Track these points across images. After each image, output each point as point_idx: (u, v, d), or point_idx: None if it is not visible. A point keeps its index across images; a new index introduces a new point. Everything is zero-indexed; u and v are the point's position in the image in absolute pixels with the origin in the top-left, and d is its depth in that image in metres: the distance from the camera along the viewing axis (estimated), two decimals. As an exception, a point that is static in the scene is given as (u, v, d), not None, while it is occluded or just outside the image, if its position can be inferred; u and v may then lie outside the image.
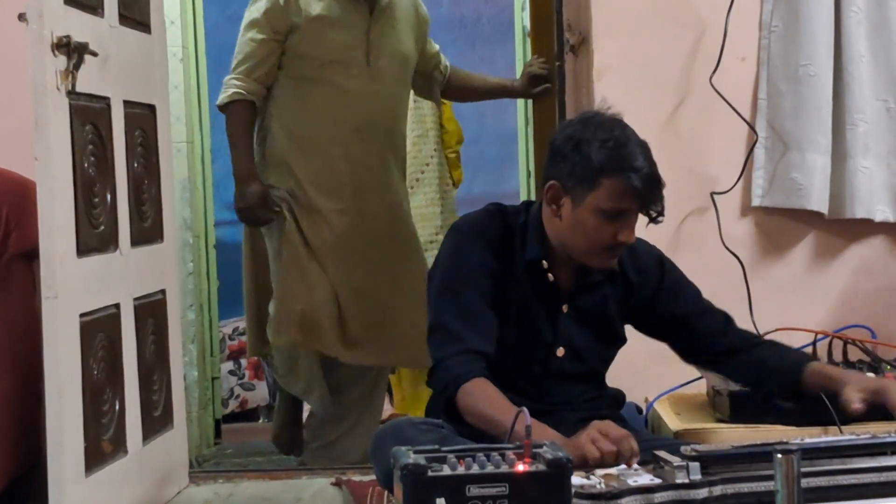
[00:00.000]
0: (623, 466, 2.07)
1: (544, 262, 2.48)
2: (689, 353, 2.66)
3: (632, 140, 2.39)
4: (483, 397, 2.34)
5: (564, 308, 2.51)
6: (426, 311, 2.52)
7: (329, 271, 3.59)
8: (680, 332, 2.61)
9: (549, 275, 2.49)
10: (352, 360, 3.64)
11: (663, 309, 2.58)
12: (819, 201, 3.37)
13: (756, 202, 3.43)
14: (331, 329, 3.57)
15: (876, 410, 2.36)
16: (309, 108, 3.57)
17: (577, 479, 1.91)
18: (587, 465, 2.06)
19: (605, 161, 2.35)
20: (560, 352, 2.52)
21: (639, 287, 2.56)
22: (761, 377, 2.61)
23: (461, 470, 1.74)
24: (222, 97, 3.58)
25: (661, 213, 2.42)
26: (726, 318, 2.64)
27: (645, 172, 2.35)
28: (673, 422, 2.94)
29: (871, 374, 2.76)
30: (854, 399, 2.35)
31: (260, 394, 5.02)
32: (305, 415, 3.90)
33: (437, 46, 3.93)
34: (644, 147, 2.39)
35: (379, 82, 3.62)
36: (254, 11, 3.60)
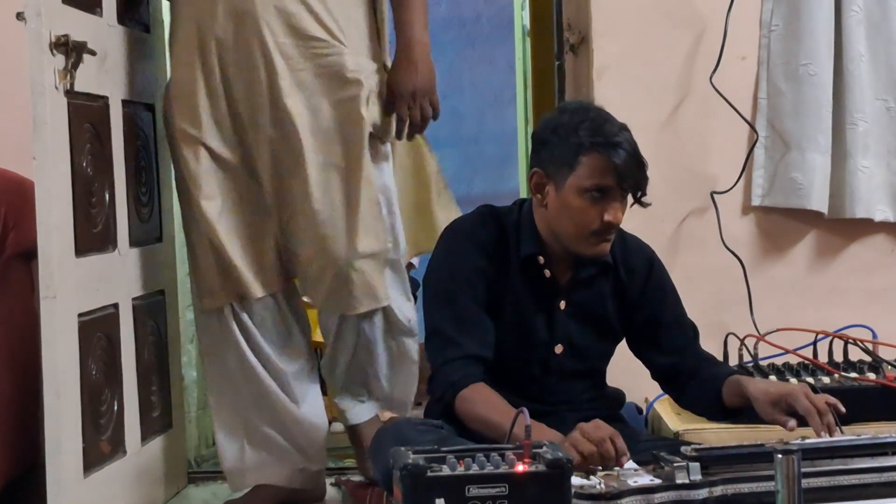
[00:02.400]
0: (626, 465, 2.06)
1: (540, 257, 2.48)
2: (652, 365, 2.61)
3: (609, 120, 2.40)
4: (481, 402, 2.34)
5: (562, 304, 2.51)
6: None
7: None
8: (648, 339, 2.58)
9: (546, 271, 2.49)
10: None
11: (643, 310, 2.57)
12: (819, 201, 3.37)
13: (756, 202, 3.43)
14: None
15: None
16: None
17: (576, 480, 1.90)
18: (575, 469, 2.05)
19: (581, 139, 2.36)
20: (559, 349, 2.51)
21: (628, 285, 2.56)
22: (693, 397, 2.57)
23: (461, 470, 1.74)
24: None
25: (644, 193, 2.41)
26: (694, 335, 2.61)
27: (623, 148, 2.35)
28: (673, 422, 2.93)
29: (772, 378, 2.74)
30: (782, 420, 2.28)
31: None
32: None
33: None
34: (623, 127, 2.40)
35: None
36: None
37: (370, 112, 2.83)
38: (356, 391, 3.04)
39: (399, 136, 2.87)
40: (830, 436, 2.20)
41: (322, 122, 2.80)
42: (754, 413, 2.39)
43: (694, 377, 2.54)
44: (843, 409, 2.25)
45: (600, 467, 2.06)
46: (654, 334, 2.57)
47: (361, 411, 3.05)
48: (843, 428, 2.36)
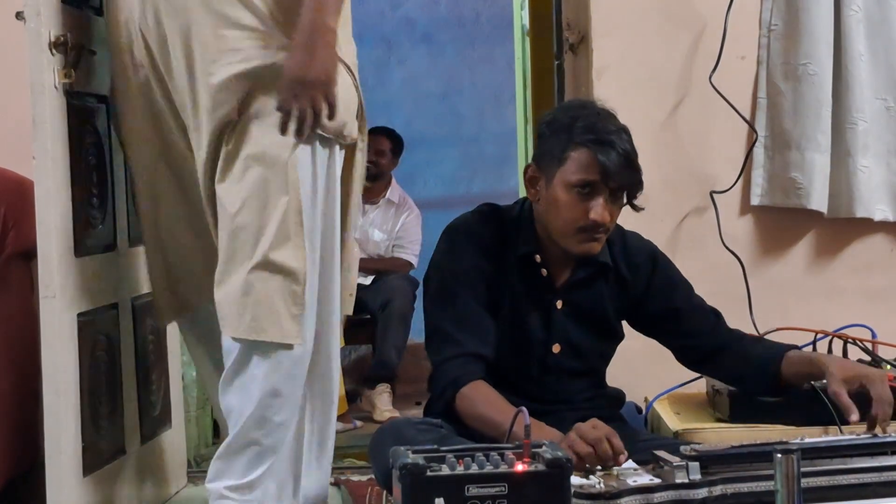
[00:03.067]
0: (625, 465, 2.06)
1: (537, 256, 2.48)
2: (679, 350, 2.64)
3: (607, 119, 2.39)
4: (481, 400, 2.34)
5: (559, 304, 2.51)
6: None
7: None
8: (670, 328, 2.59)
9: (543, 270, 2.49)
10: None
11: (655, 304, 2.57)
12: (819, 200, 3.37)
13: (755, 201, 3.43)
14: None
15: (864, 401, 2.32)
16: None
17: (576, 479, 1.90)
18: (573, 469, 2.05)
19: (572, 134, 2.36)
20: (556, 348, 2.51)
21: (632, 283, 2.56)
22: (744, 373, 2.59)
23: (460, 470, 1.74)
24: None
25: (633, 195, 2.41)
26: (716, 316, 2.63)
27: (614, 147, 2.34)
28: (672, 421, 2.93)
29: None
30: (846, 403, 2.32)
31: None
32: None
33: None
34: (622, 129, 2.39)
35: None
36: None
37: None
38: None
39: (282, 130, 2.35)
40: (871, 429, 2.25)
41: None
42: (800, 404, 2.46)
43: (738, 354, 2.56)
44: None
45: (598, 467, 2.06)
46: (673, 323, 2.58)
47: None
48: (843, 427, 2.37)
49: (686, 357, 2.65)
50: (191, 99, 2.45)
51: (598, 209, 2.35)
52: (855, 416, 2.30)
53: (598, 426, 2.12)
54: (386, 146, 5.41)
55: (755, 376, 2.57)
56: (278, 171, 2.36)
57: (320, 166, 2.43)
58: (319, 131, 2.39)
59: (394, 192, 5.52)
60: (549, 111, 2.51)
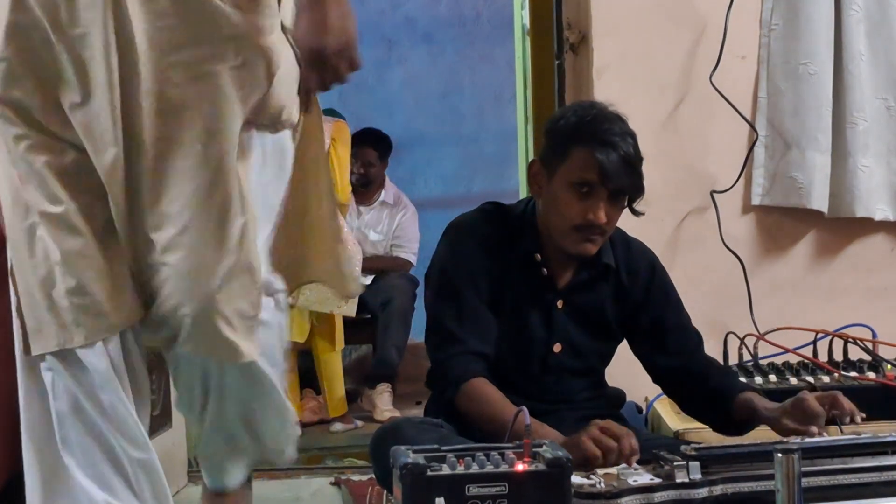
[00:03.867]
0: (623, 465, 2.06)
1: (537, 255, 2.48)
2: (653, 366, 2.61)
3: (613, 121, 2.38)
4: (483, 398, 2.34)
5: (559, 304, 2.51)
6: None
7: None
8: (653, 341, 2.57)
9: (543, 269, 2.48)
10: None
11: (646, 314, 2.56)
12: (819, 200, 3.37)
13: (756, 201, 3.43)
14: None
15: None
16: None
17: (576, 479, 1.90)
18: (588, 465, 2.05)
19: (575, 131, 2.37)
20: (557, 347, 2.51)
21: (630, 289, 2.55)
22: (699, 408, 2.58)
23: (460, 469, 1.74)
24: None
25: (633, 199, 2.40)
26: (699, 339, 2.60)
27: (615, 149, 2.34)
28: (673, 421, 2.93)
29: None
30: (803, 430, 2.25)
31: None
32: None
33: None
34: (627, 133, 2.38)
35: None
36: None
37: None
38: None
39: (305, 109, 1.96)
40: (853, 420, 2.23)
41: None
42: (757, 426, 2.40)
43: (702, 385, 2.53)
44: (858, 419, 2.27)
45: (607, 465, 2.06)
46: (658, 337, 2.57)
47: None
48: (843, 427, 2.36)
49: (660, 378, 2.62)
50: None
51: (595, 210, 2.35)
52: (814, 429, 2.25)
53: (616, 424, 2.14)
54: (372, 156, 5.42)
55: (711, 414, 2.55)
56: None
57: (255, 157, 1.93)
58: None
59: (388, 192, 5.53)
60: (559, 109, 2.50)
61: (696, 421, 2.71)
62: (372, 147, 5.43)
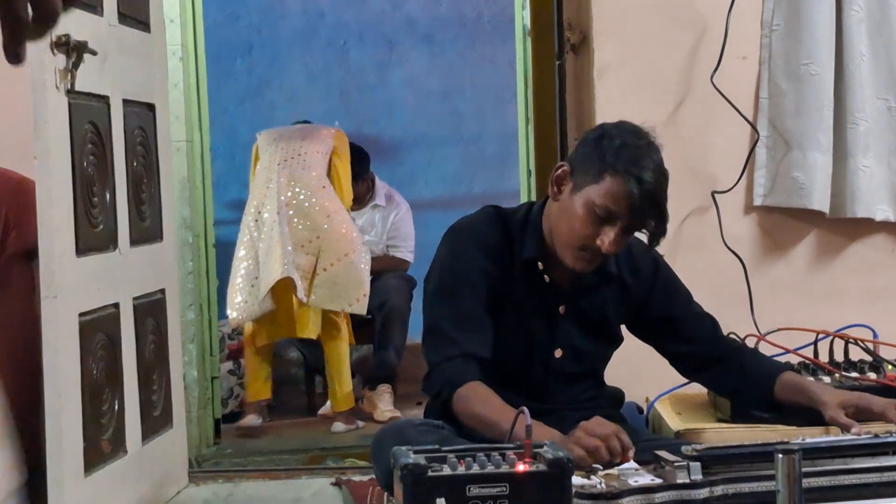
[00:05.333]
0: (625, 465, 2.06)
1: (539, 263, 2.47)
2: (675, 358, 2.63)
3: (652, 157, 2.35)
4: (478, 400, 2.33)
5: (562, 309, 2.50)
6: None
7: None
8: (668, 334, 2.59)
9: (545, 276, 2.48)
10: None
11: (655, 310, 2.57)
12: (820, 200, 3.37)
13: (758, 202, 3.43)
14: None
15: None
16: None
17: (577, 479, 1.90)
18: (579, 468, 2.05)
19: (616, 159, 2.33)
20: (559, 352, 2.51)
21: (634, 288, 2.55)
22: (738, 387, 2.61)
23: (461, 470, 1.73)
24: None
25: (654, 237, 2.39)
26: (714, 324, 2.62)
27: (648, 187, 2.31)
28: (674, 421, 2.93)
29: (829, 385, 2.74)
30: (845, 422, 2.35)
31: (260, 393, 5.01)
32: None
33: None
34: (661, 172, 2.35)
35: None
36: None
37: None
38: None
39: None
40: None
41: None
42: (800, 411, 2.46)
43: (734, 366, 2.57)
44: None
45: (603, 465, 2.06)
46: (672, 329, 2.58)
47: None
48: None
49: (682, 365, 2.65)
50: None
51: (608, 239, 2.33)
52: (857, 429, 2.31)
53: (605, 423, 2.12)
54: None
55: (749, 392, 2.59)
56: None
57: None
58: None
59: (379, 194, 5.52)
60: (606, 124, 2.47)
61: (695, 416, 2.72)
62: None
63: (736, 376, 2.58)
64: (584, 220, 2.34)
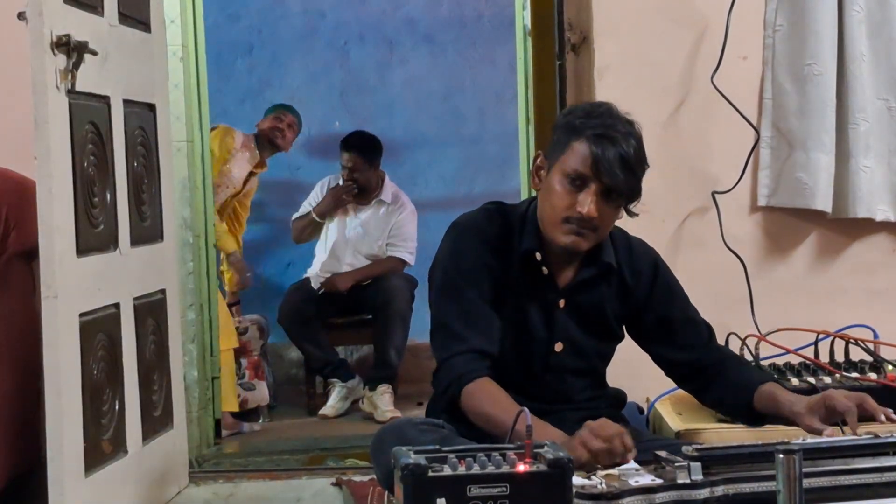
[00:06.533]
0: (625, 466, 2.06)
1: (537, 254, 2.48)
2: (667, 364, 2.61)
3: (619, 120, 2.38)
4: (486, 397, 2.34)
5: (561, 303, 2.51)
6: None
7: None
8: (663, 338, 2.57)
9: (543, 268, 2.48)
10: None
11: (653, 312, 2.56)
12: (823, 201, 3.37)
13: (762, 202, 3.42)
14: None
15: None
16: None
17: (578, 480, 1.90)
18: (582, 468, 2.05)
19: (578, 124, 2.36)
20: (558, 346, 2.51)
21: (633, 288, 2.55)
22: (720, 398, 2.57)
23: (462, 470, 1.73)
24: None
25: (629, 200, 2.40)
26: (709, 331, 2.60)
27: (614, 145, 2.33)
28: (674, 422, 2.93)
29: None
30: (818, 427, 2.27)
31: (260, 394, 5.01)
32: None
33: None
34: (631, 133, 2.37)
35: None
36: None
37: None
38: None
39: None
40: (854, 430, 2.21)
41: None
42: (782, 420, 2.40)
43: (719, 376, 2.53)
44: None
45: (604, 466, 2.06)
46: (666, 333, 2.56)
47: None
48: (845, 428, 2.36)
49: (673, 371, 2.62)
50: None
51: (585, 202, 2.34)
52: (828, 431, 2.25)
53: (609, 424, 2.12)
54: (358, 163, 5.41)
55: (730, 404, 2.55)
56: None
57: None
58: None
59: (386, 191, 5.52)
60: (571, 106, 2.50)
61: (695, 416, 2.71)
62: (356, 153, 5.42)
63: (719, 387, 2.54)
64: (561, 192, 2.37)
